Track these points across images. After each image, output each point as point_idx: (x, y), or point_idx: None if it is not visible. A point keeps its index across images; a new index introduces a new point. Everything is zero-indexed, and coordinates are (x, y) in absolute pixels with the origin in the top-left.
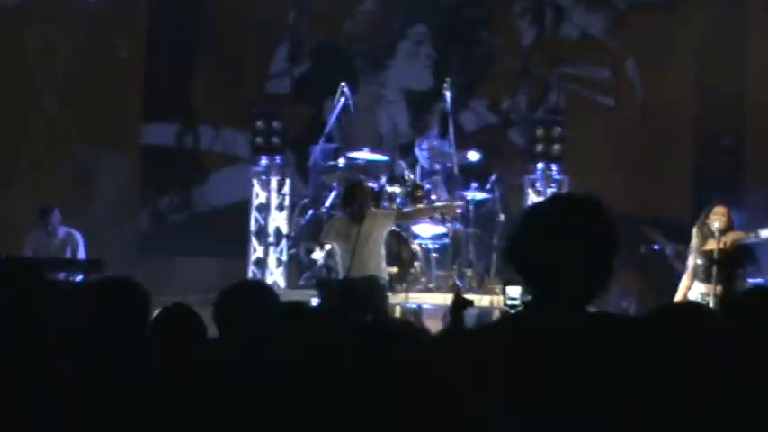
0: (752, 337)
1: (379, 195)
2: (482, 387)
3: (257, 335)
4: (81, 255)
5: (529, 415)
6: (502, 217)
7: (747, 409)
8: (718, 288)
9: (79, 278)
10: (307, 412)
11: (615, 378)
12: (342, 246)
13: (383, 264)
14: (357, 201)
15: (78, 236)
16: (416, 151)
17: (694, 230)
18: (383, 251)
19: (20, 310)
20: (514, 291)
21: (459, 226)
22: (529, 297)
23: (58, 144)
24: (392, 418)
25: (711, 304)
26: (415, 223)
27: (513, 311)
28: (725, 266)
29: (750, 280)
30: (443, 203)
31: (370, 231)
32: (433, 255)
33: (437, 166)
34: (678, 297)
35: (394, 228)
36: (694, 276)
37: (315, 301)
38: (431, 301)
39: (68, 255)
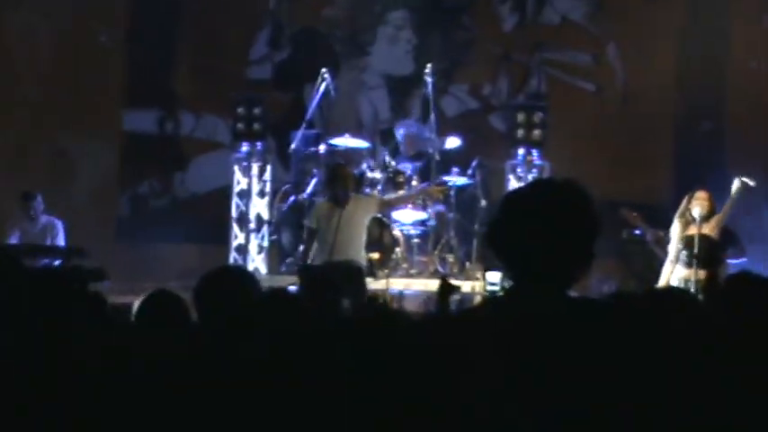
0: (736, 323)
1: (360, 181)
2: (465, 372)
3: (237, 320)
4: (60, 242)
5: (512, 399)
6: (483, 202)
7: (730, 393)
8: (700, 273)
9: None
10: (288, 398)
11: (596, 362)
12: (323, 229)
13: (362, 249)
14: (339, 184)
15: (59, 224)
16: (398, 135)
17: (676, 216)
18: (364, 236)
19: None
20: (494, 276)
21: (440, 207)
22: (510, 282)
23: (40, 130)
24: (378, 403)
25: (693, 290)
26: (396, 209)
27: (493, 296)
28: (707, 252)
29: (733, 261)
30: (424, 188)
31: (352, 215)
32: (415, 240)
33: (419, 151)
34: (661, 283)
35: (376, 214)
36: (676, 262)
37: (295, 288)
38: (412, 286)
39: (48, 242)
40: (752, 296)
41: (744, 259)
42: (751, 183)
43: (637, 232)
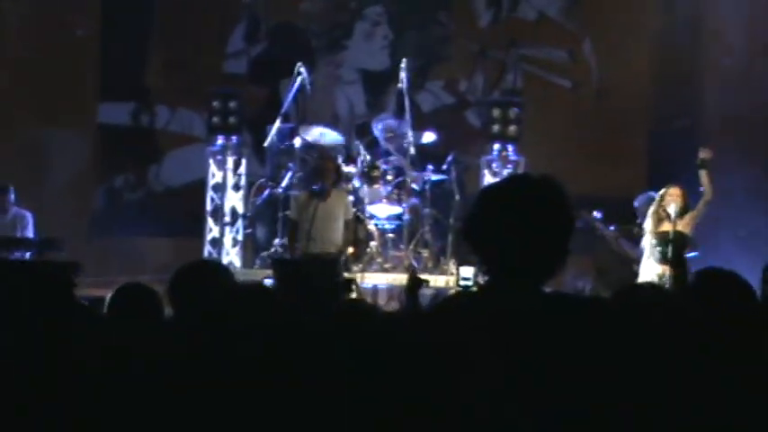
0: (707, 317)
1: (342, 175)
2: (440, 367)
3: (211, 314)
4: (29, 234)
5: (487, 393)
6: (458, 197)
7: (703, 388)
8: (674, 269)
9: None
10: (261, 391)
11: (570, 357)
12: (302, 220)
13: (341, 240)
14: (319, 177)
15: (29, 216)
16: (374, 131)
17: (650, 212)
18: (342, 228)
19: None
20: (468, 271)
21: (415, 200)
22: (483, 277)
23: (13, 122)
24: (352, 397)
25: (668, 285)
26: (371, 203)
27: (468, 290)
28: (680, 249)
29: (687, 254)
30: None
31: (332, 208)
32: (389, 235)
33: (394, 146)
34: (641, 279)
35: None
36: (651, 258)
37: (270, 281)
38: (386, 281)
39: (18, 234)
40: (721, 291)
41: (696, 253)
42: (702, 154)
43: (611, 228)
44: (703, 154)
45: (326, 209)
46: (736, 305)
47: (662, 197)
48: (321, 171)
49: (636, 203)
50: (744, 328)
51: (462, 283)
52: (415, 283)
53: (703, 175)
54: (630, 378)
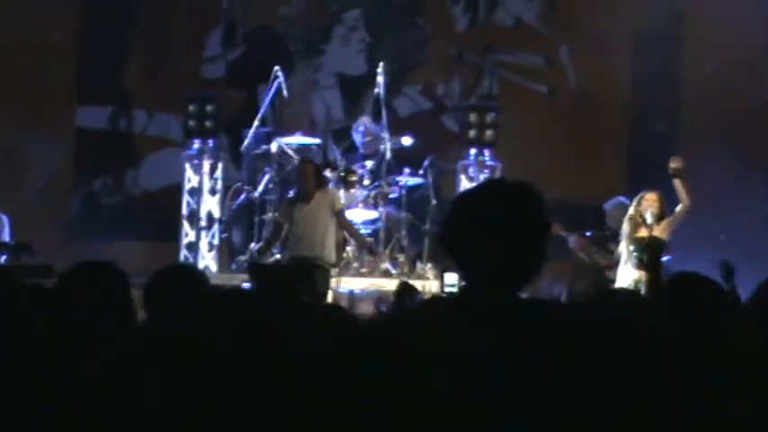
0: (681, 321)
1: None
2: (416, 373)
3: (186, 318)
4: (5, 238)
5: (462, 400)
6: (434, 202)
7: (679, 394)
8: (650, 275)
9: (2, 259)
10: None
11: (547, 363)
12: (288, 224)
13: (327, 244)
14: (300, 179)
15: (4, 219)
16: (353, 135)
17: (626, 217)
18: (330, 232)
19: None
20: (452, 277)
21: (391, 209)
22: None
23: None
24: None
25: (643, 291)
26: (348, 208)
27: (445, 296)
28: (657, 254)
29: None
30: (367, 241)
31: (314, 210)
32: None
33: (371, 151)
34: (618, 284)
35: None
36: (628, 263)
37: (247, 286)
38: (363, 286)
39: None
40: (693, 294)
41: (669, 257)
42: (673, 164)
43: (587, 234)
44: (674, 163)
45: (308, 212)
46: (708, 309)
47: (639, 202)
48: (300, 174)
49: (605, 208)
50: (716, 331)
51: (447, 289)
52: (404, 290)
53: (678, 185)
54: (606, 384)
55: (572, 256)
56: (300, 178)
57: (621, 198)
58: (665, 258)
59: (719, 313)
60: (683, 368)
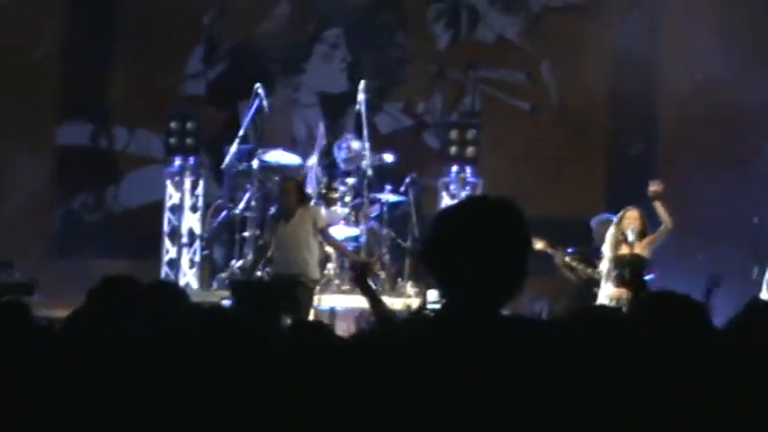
0: (658, 340)
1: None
2: (397, 390)
3: (165, 335)
4: None
5: (444, 417)
6: (415, 219)
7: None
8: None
9: None
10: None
11: (527, 381)
12: (272, 242)
13: (310, 261)
14: (281, 197)
15: None
16: (335, 152)
17: (608, 234)
18: (312, 248)
19: None
20: (435, 294)
21: (373, 224)
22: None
23: None
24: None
25: (624, 309)
26: (329, 225)
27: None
28: (638, 272)
29: (644, 277)
30: (359, 257)
31: (295, 228)
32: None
33: (352, 168)
34: (601, 301)
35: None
36: (608, 280)
37: (227, 303)
38: (344, 303)
39: None
40: (671, 313)
41: (653, 275)
42: (653, 187)
43: (569, 250)
44: (654, 186)
45: (291, 230)
46: (685, 328)
47: (620, 220)
48: (282, 192)
49: (592, 224)
50: (691, 350)
51: (430, 306)
52: (364, 271)
53: (658, 207)
54: (585, 400)
55: (555, 272)
56: (282, 195)
57: (607, 214)
58: (648, 277)
59: (696, 332)
60: (659, 385)
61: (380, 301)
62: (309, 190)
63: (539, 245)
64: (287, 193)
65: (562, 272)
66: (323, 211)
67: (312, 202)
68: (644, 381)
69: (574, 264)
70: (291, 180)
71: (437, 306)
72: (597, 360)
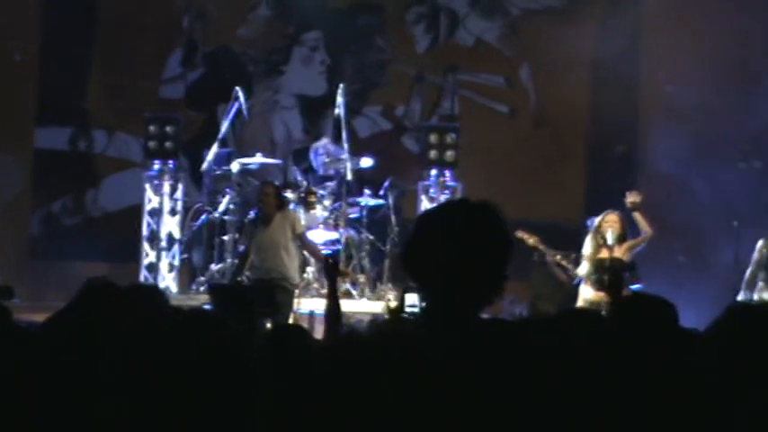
0: (632, 341)
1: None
2: (372, 395)
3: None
4: None
5: (422, 424)
6: (395, 223)
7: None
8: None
9: None
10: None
11: (507, 384)
12: (251, 246)
13: (290, 265)
14: (261, 202)
15: None
16: (311, 156)
17: (588, 238)
18: (291, 253)
19: None
20: (413, 298)
21: (352, 232)
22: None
23: None
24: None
25: (603, 312)
26: (308, 229)
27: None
28: (617, 276)
29: (631, 287)
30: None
31: (274, 234)
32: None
33: (331, 172)
34: (580, 304)
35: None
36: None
37: (207, 307)
38: (323, 306)
39: None
40: (645, 316)
41: (640, 285)
42: (630, 198)
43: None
44: (631, 197)
45: (269, 235)
46: (659, 330)
47: (600, 224)
48: (261, 197)
49: (588, 224)
50: (663, 352)
51: (408, 309)
52: (332, 266)
53: (638, 217)
54: (564, 402)
55: (534, 276)
56: (261, 200)
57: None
58: (635, 287)
59: (670, 334)
60: (636, 386)
61: (337, 302)
62: (289, 194)
63: (531, 240)
64: (266, 198)
65: (554, 270)
66: (301, 215)
67: (291, 206)
68: (622, 382)
69: (564, 263)
70: (270, 185)
71: (416, 309)
72: (576, 362)
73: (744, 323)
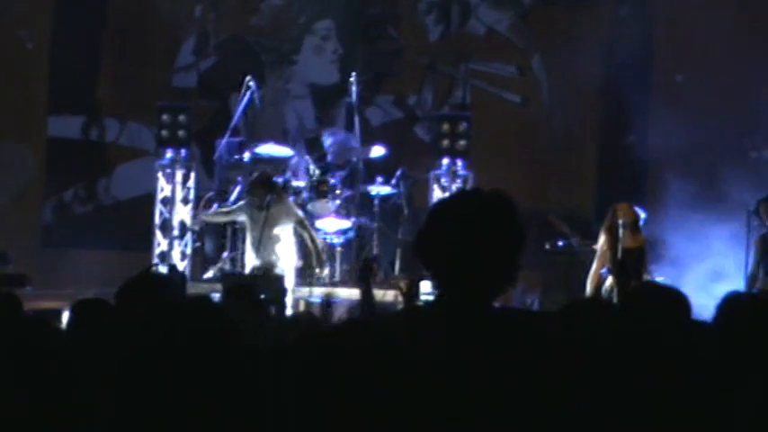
0: (645, 330)
1: (284, 189)
2: (389, 382)
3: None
4: None
5: (434, 410)
6: (407, 212)
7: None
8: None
9: None
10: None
11: (519, 372)
12: (248, 237)
13: (280, 254)
14: (249, 193)
15: None
16: (324, 144)
17: (603, 228)
18: (282, 244)
19: None
20: (428, 285)
21: (363, 220)
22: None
23: None
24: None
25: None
26: (320, 218)
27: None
28: (632, 263)
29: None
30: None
31: (270, 224)
32: (339, 249)
33: (343, 161)
34: (588, 292)
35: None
36: (602, 271)
37: (216, 295)
38: (336, 294)
39: None
40: (657, 305)
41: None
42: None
43: (560, 243)
44: (558, 227)
45: (265, 224)
46: (671, 319)
47: (613, 213)
48: (250, 187)
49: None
50: (674, 342)
51: (423, 297)
52: (367, 269)
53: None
54: (577, 390)
55: (548, 262)
56: (251, 191)
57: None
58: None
59: (681, 323)
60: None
61: (372, 305)
62: (301, 182)
63: (561, 227)
64: (255, 188)
65: (584, 258)
66: (314, 203)
67: (304, 195)
68: (635, 370)
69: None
70: (263, 173)
71: (430, 297)
72: (589, 351)
73: (738, 312)
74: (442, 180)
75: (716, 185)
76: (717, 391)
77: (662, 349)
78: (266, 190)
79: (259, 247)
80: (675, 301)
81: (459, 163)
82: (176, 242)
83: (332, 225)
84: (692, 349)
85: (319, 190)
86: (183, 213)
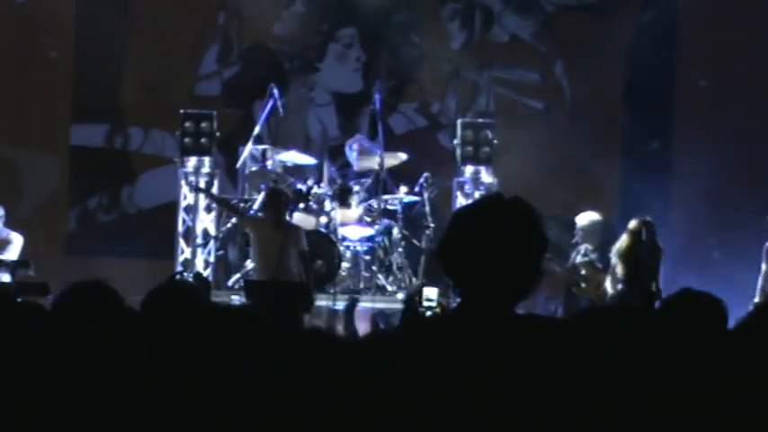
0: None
1: (306, 197)
2: (411, 390)
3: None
4: (12, 256)
5: (459, 417)
6: (430, 219)
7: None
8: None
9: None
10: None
11: (542, 379)
12: (261, 245)
13: (293, 270)
14: (271, 208)
15: (14, 237)
16: (347, 152)
17: (624, 236)
18: (295, 260)
19: None
20: (432, 292)
21: (387, 222)
22: (454, 298)
23: None
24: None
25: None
26: (343, 225)
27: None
28: (651, 268)
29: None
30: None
31: (279, 242)
32: (361, 257)
33: (366, 168)
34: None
35: (321, 229)
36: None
37: (239, 302)
38: (359, 303)
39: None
40: (694, 313)
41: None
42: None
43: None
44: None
45: (275, 242)
46: (707, 328)
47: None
48: (266, 203)
49: (579, 223)
50: (708, 351)
51: (426, 303)
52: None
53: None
54: (602, 398)
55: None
56: (272, 206)
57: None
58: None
59: (716, 331)
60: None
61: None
62: (324, 190)
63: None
64: (268, 205)
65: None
66: (337, 211)
67: (327, 203)
68: (663, 379)
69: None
70: (273, 189)
71: (433, 304)
72: (610, 359)
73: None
74: (466, 187)
75: (743, 188)
76: (749, 401)
77: (695, 359)
78: (281, 207)
79: (279, 265)
80: (712, 309)
81: (483, 170)
82: (199, 250)
83: (355, 233)
84: (725, 359)
85: (342, 198)
86: (206, 221)
